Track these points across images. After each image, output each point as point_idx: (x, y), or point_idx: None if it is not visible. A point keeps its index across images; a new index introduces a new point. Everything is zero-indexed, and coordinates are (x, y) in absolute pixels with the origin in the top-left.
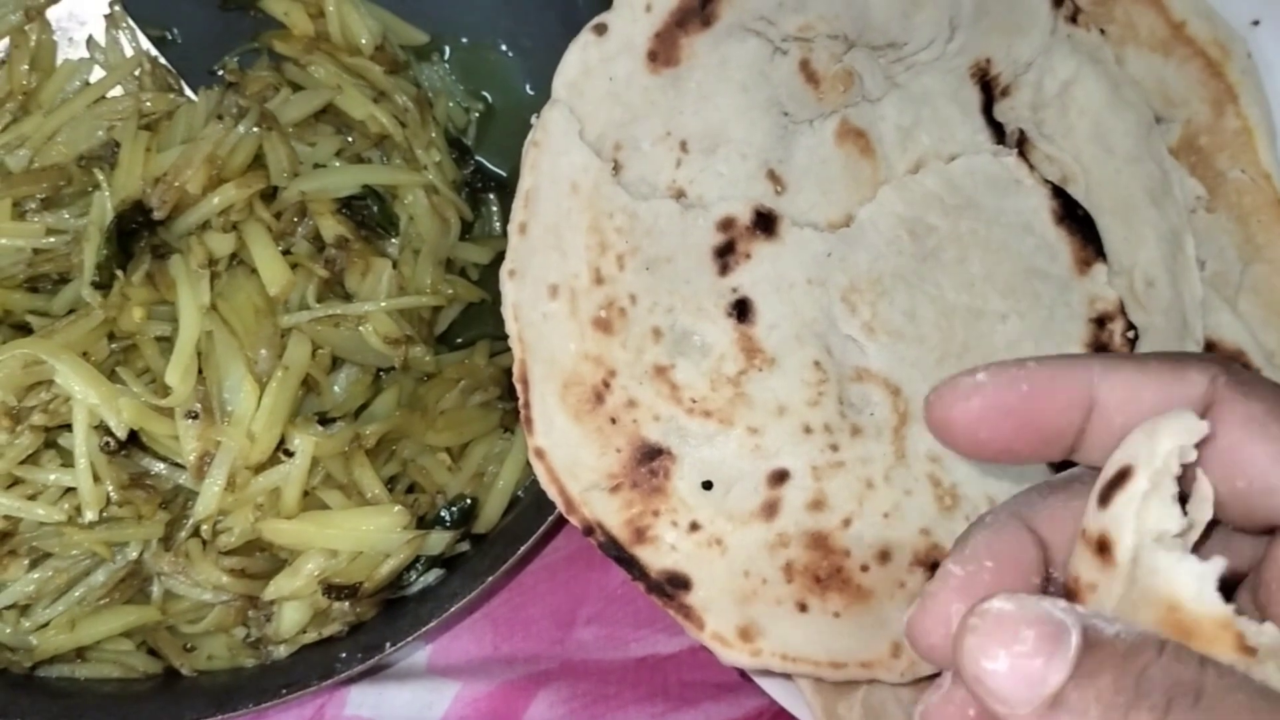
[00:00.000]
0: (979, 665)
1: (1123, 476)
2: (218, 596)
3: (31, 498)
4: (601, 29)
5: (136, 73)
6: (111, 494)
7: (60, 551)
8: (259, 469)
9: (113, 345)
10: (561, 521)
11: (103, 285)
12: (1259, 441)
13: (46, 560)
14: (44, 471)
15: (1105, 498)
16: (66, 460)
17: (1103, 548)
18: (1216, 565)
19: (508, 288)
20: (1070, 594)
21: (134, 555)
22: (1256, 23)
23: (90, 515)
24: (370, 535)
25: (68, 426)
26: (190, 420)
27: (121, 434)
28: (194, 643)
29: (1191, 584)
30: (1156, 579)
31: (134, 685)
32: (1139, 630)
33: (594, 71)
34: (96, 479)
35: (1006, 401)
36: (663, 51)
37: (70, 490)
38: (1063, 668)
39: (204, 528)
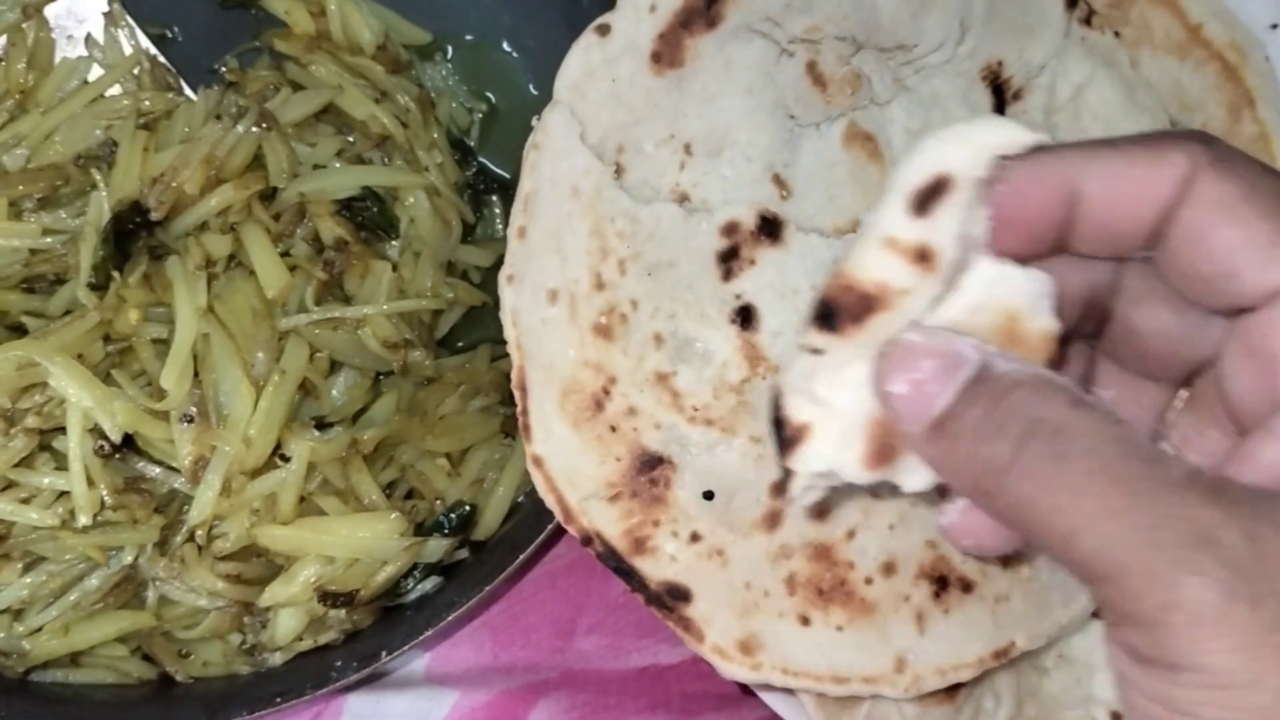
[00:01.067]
0: (883, 388)
1: (941, 187)
2: (213, 602)
3: (25, 501)
4: (604, 30)
5: (135, 71)
6: (106, 498)
7: (54, 556)
8: (255, 474)
9: (108, 348)
10: (562, 529)
11: (99, 286)
12: (1226, 225)
13: (40, 564)
14: (38, 475)
15: (923, 206)
16: (61, 463)
17: (923, 256)
18: (1051, 284)
19: (506, 293)
20: (876, 301)
21: (129, 560)
22: (1275, 26)
23: (84, 520)
24: (367, 542)
25: (62, 429)
26: (186, 424)
27: (116, 437)
28: (189, 649)
29: (1031, 298)
30: (1000, 289)
31: (128, 691)
32: (1033, 370)
33: (596, 73)
34: (91, 483)
35: (1003, 195)
36: (667, 53)
37: (64, 494)
38: (948, 395)
39: (199, 533)
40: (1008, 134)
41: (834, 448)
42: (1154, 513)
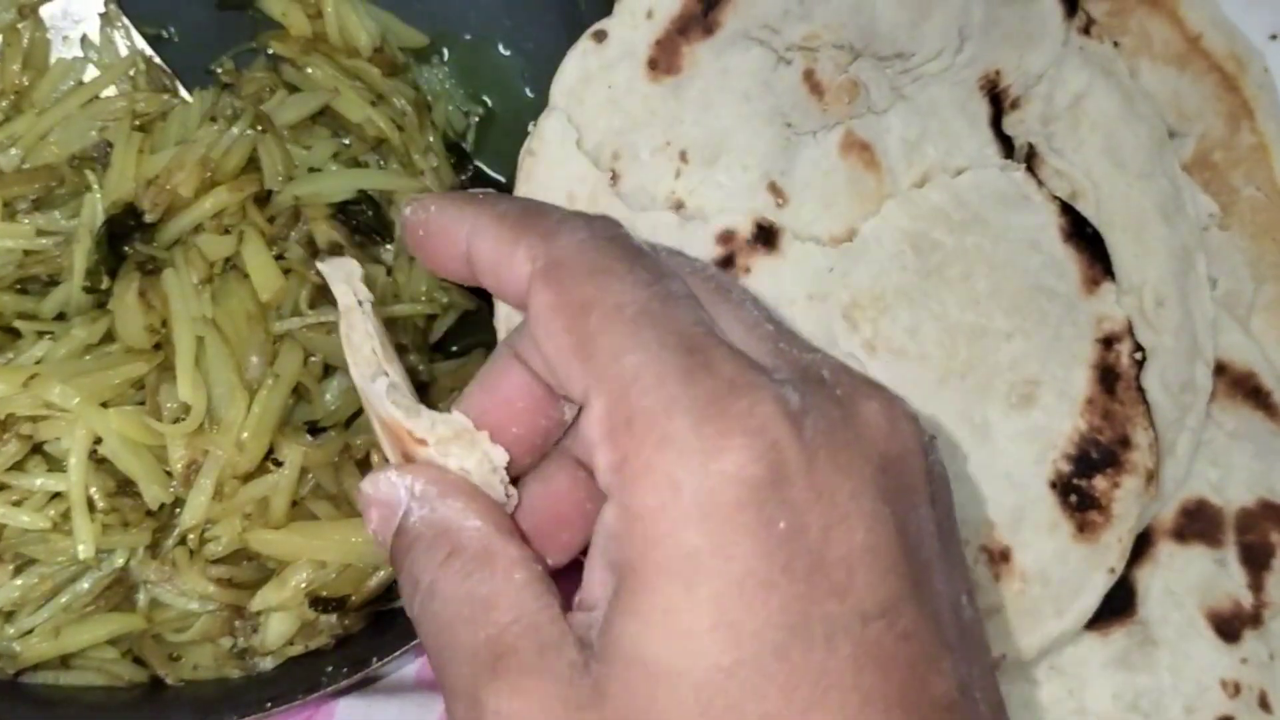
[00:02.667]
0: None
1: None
2: (204, 606)
3: (17, 503)
4: (601, 36)
5: (131, 73)
6: (98, 501)
7: (45, 558)
8: (247, 478)
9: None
10: None
11: (93, 289)
12: (545, 337)
13: (31, 566)
14: (30, 477)
15: None
16: (52, 465)
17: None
18: (381, 383)
19: (500, 300)
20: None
21: (120, 563)
22: (1275, 36)
23: (85, 553)
24: (359, 547)
25: None
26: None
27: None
28: (180, 652)
29: (386, 411)
30: (378, 404)
31: (119, 694)
32: (437, 515)
33: (593, 79)
34: (92, 508)
35: (417, 234)
36: (664, 59)
37: (56, 496)
38: (387, 540)
39: (191, 536)
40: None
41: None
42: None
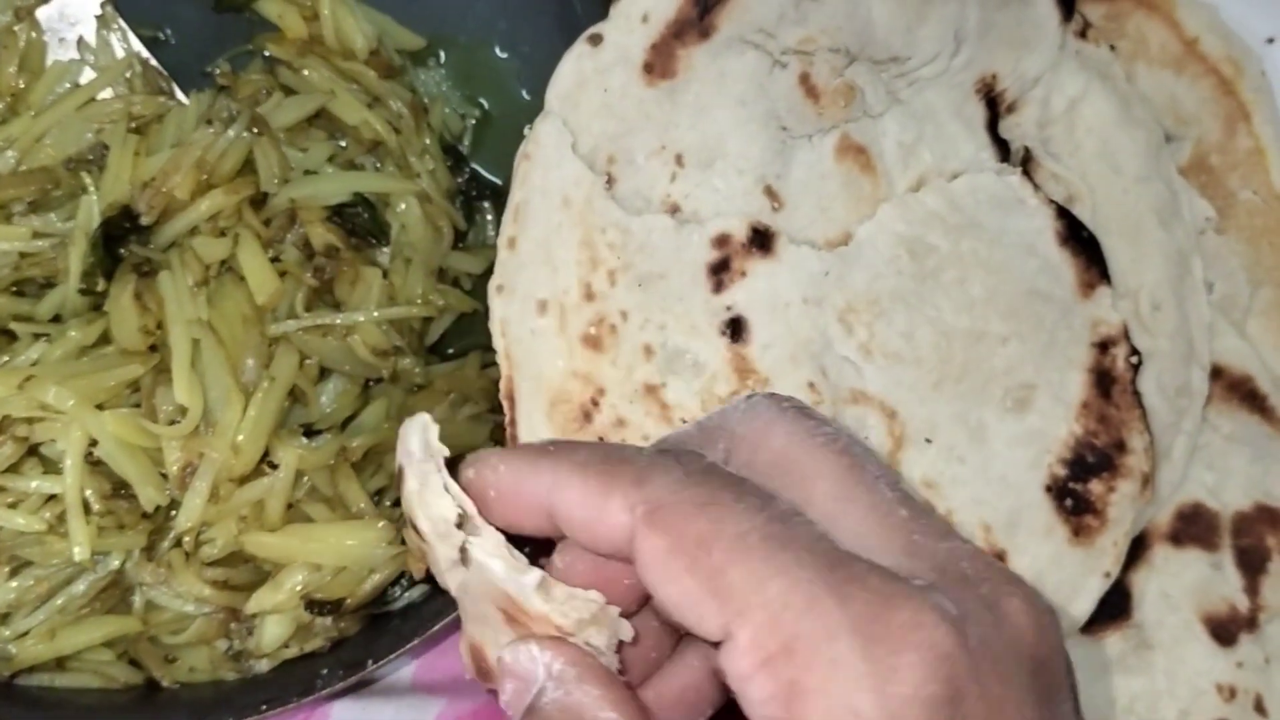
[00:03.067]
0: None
1: (397, 476)
2: (199, 608)
3: (12, 506)
4: (596, 39)
5: (127, 74)
6: (93, 504)
7: (41, 560)
8: (243, 481)
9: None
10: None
11: (88, 291)
12: (661, 583)
13: (27, 569)
14: (25, 479)
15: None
16: (48, 467)
17: (416, 528)
18: (534, 576)
19: (495, 303)
20: (423, 556)
21: (116, 565)
22: (1271, 40)
23: (80, 555)
24: (355, 550)
25: None
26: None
27: (111, 451)
28: (175, 654)
29: (516, 590)
30: (493, 577)
31: (114, 696)
32: (575, 700)
33: (588, 83)
34: (88, 510)
35: (487, 495)
36: (659, 63)
37: (52, 498)
38: (518, 715)
39: (187, 539)
40: (419, 422)
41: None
42: None
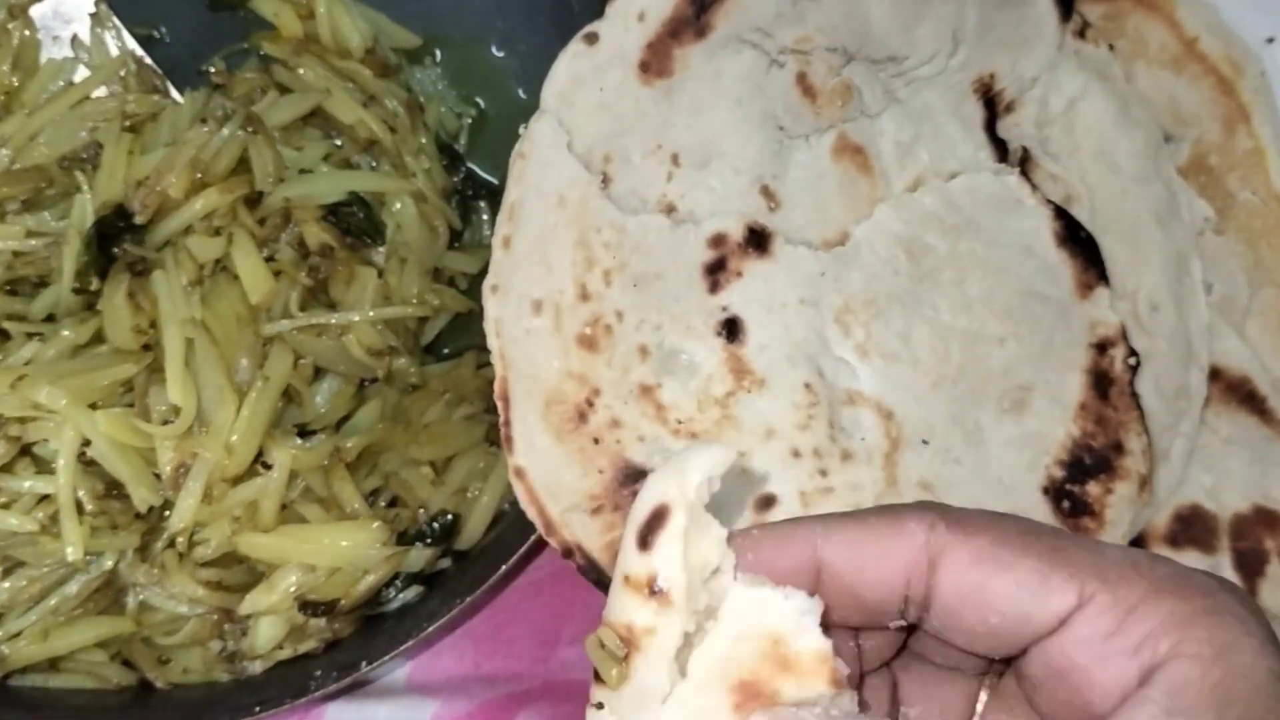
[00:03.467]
0: None
1: (659, 517)
2: (193, 609)
3: (5, 506)
4: (592, 38)
5: (122, 73)
6: (87, 504)
7: (34, 560)
8: (237, 481)
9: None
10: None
11: (82, 290)
12: (996, 574)
13: (19, 569)
14: (18, 479)
15: (645, 540)
16: (41, 467)
17: (654, 590)
18: (819, 602)
19: (490, 303)
20: (627, 643)
21: (109, 565)
22: (1271, 40)
23: (74, 555)
24: (349, 551)
25: None
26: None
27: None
28: (169, 655)
29: (793, 618)
30: (758, 614)
31: (107, 697)
32: None
33: (584, 82)
34: (81, 510)
35: (744, 557)
36: (655, 62)
37: (45, 498)
38: None
39: (180, 539)
40: (710, 456)
41: None
42: None
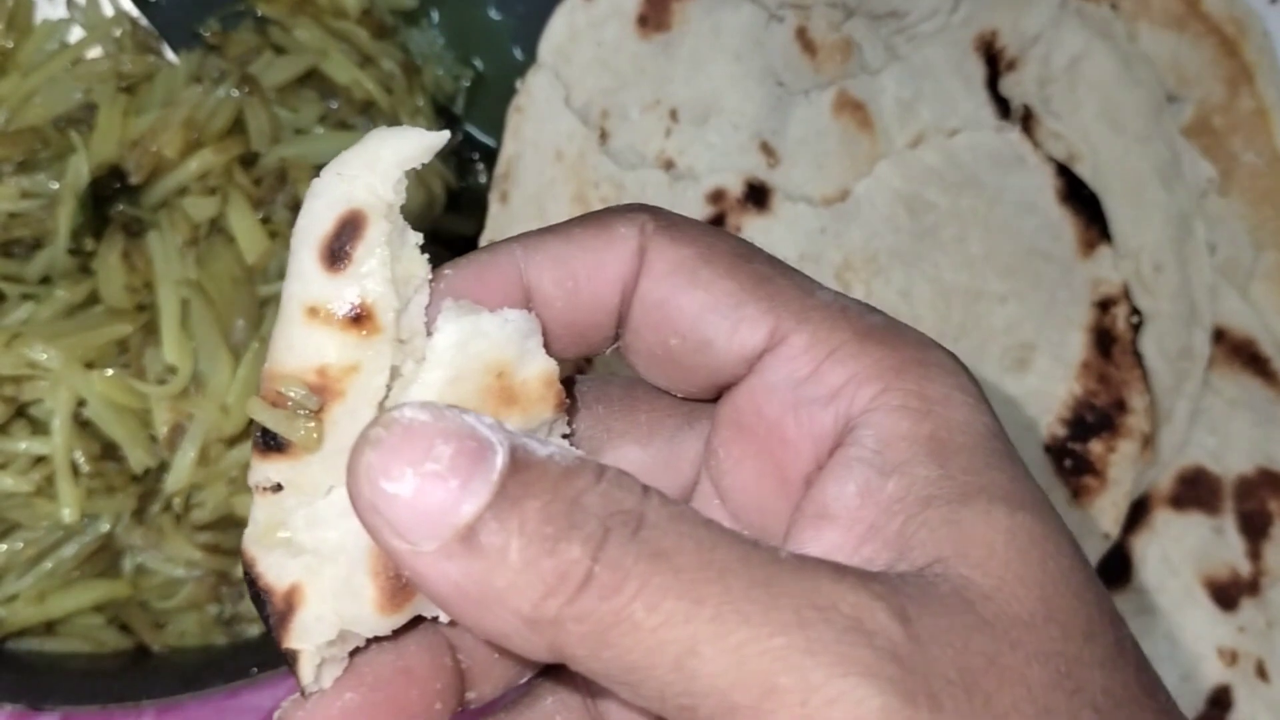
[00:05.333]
0: (377, 488)
1: (352, 225)
2: (190, 572)
3: (1, 467)
4: None
5: (116, 33)
6: (82, 465)
7: (29, 523)
8: (233, 442)
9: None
10: None
11: (77, 251)
12: (687, 290)
13: (15, 532)
14: (14, 440)
15: (335, 255)
16: (37, 429)
17: (359, 318)
18: (537, 320)
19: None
20: (320, 390)
21: (105, 528)
22: (1275, 1)
23: (70, 516)
24: None
25: None
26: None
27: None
28: (165, 619)
29: (517, 343)
30: (477, 345)
31: (104, 661)
32: (577, 453)
33: (581, 36)
34: (76, 472)
35: (448, 293)
36: (653, 16)
37: (41, 460)
38: (482, 493)
39: (176, 501)
40: (408, 142)
41: (339, 601)
42: (792, 604)
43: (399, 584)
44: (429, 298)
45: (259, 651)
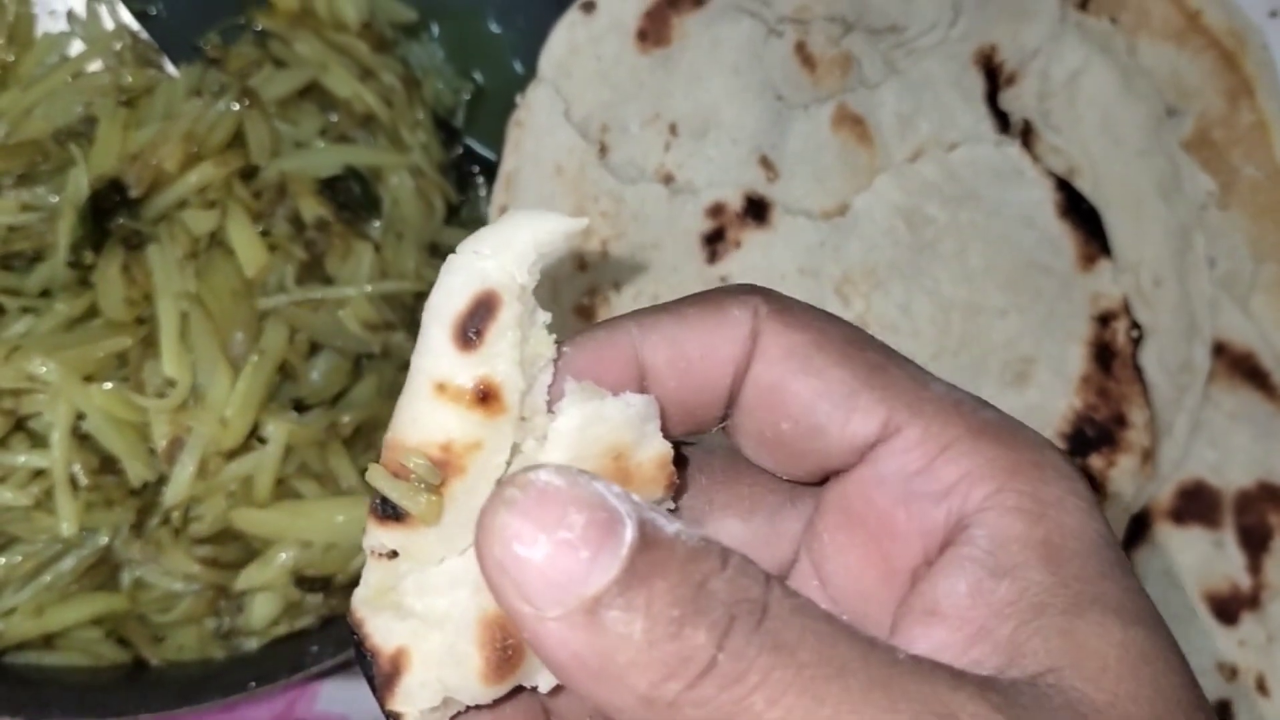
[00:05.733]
0: (509, 550)
1: (485, 306)
2: (188, 586)
3: (0, 481)
4: (590, 7)
5: (117, 47)
6: (81, 479)
7: (28, 536)
8: (232, 456)
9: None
10: None
11: (77, 264)
12: (800, 376)
13: (14, 545)
14: (12, 454)
15: (467, 336)
16: (36, 442)
17: (485, 396)
18: (656, 404)
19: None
20: (442, 465)
21: (103, 542)
22: (1274, 13)
23: (68, 530)
24: (344, 526)
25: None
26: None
27: (99, 424)
28: (164, 632)
29: (636, 427)
30: (598, 428)
31: (102, 674)
32: (700, 533)
33: (581, 51)
34: (75, 486)
35: (574, 370)
36: (653, 31)
37: (40, 473)
38: (612, 566)
39: (175, 515)
40: (546, 226)
41: (443, 669)
42: (912, 708)
43: (505, 655)
44: (552, 377)
45: (256, 665)
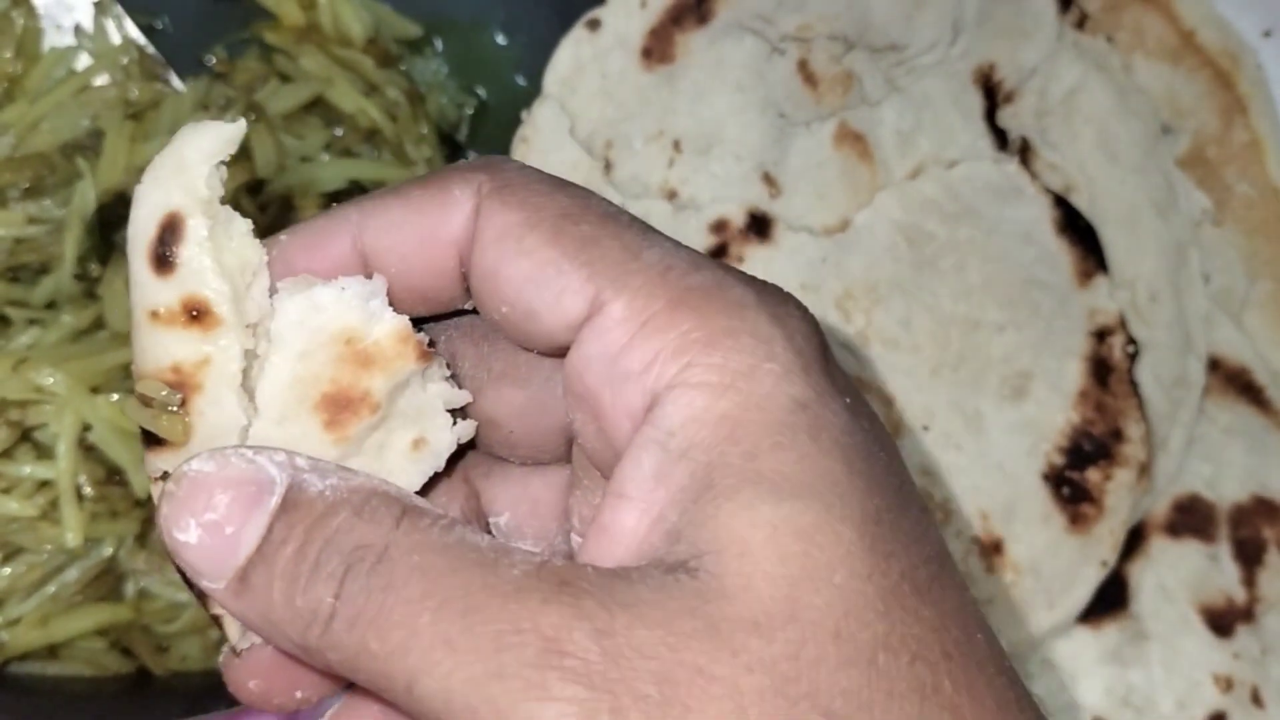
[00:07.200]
0: (172, 537)
1: (171, 228)
2: (192, 597)
3: (5, 491)
4: (595, 24)
5: (124, 61)
6: (87, 490)
7: (33, 546)
8: None
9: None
10: None
11: (83, 276)
12: (512, 259)
13: (19, 556)
14: (18, 464)
15: (163, 259)
16: (41, 453)
17: (197, 313)
18: (379, 279)
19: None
20: (179, 386)
21: (108, 553)
22: (1268, 34)
23: (73, 541)
24: None
25: None
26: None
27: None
28: (168, 643)
29: (359, 307)
30: (318, 317)
31: (106, 685)
32: (355, 481)
33: (586, 68)
34: (81, 496)
35: (283, 273)
36: (657, 48)
37: (45, 484)
38: (253, 536)
39: None
40: (208, 138)
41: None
42: (492, 631)
43: None
44: (269, 279)
45: None
